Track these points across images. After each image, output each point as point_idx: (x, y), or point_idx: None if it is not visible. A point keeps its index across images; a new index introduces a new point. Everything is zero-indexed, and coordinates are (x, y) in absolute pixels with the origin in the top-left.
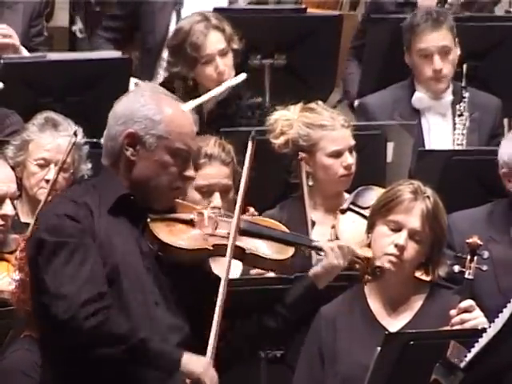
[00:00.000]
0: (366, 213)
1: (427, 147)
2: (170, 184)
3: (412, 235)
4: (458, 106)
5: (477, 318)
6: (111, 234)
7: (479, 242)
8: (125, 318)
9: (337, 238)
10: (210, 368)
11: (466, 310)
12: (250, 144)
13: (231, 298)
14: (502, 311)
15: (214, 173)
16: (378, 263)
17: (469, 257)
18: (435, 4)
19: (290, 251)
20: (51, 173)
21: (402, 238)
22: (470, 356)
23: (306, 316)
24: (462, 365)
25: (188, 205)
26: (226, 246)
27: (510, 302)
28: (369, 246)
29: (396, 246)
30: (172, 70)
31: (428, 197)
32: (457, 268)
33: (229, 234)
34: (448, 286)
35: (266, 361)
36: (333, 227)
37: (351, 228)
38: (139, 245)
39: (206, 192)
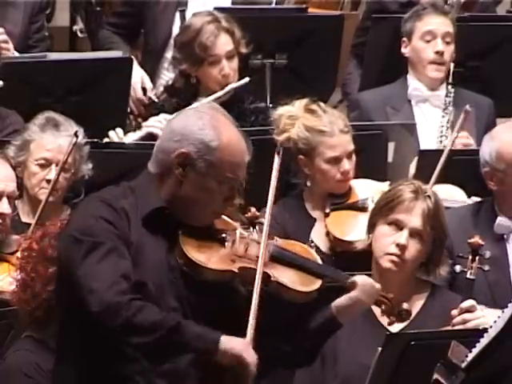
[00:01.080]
0: (346, 204)
1: (420, 138)
2: (211, 209)
3: (413, 234)
4: (445, 99)
5: (478, 318)
6: (143, 243)
7: (481, 241)
8: (157, 309)
9: (336, 241)
10: (251, 348)
11: (468, 310)
12: (276, 157)
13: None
14: (503, 311)
15: None
16: (404, 306)
17: (470, 257)
18: None
19: (316, 284)
20: (52, 173)
21: (403, 237)
22: (471, 356)
23: (319, 346)
24: (464, 365)
25: (223, 219)
26: (252, 269)
27: (511, 302)
28: (370, 246)
29: (397, 245)
30: (177, 66)
31: (429, 196)
32: (458, 268)
33: (257, 257)
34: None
35: None
36: (327, 234)
37: (341, 223)
38: (168, 258)
39: None
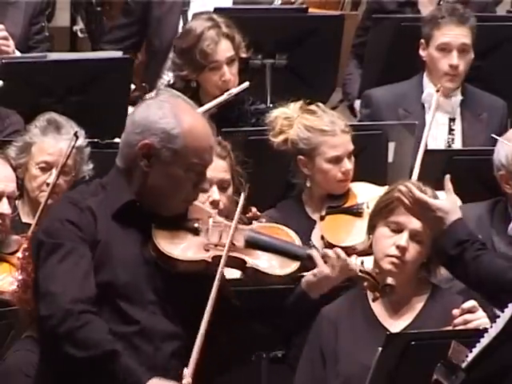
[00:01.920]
0: (341, 208)
1: (430, 145)
2: (181, 196)
3: (413, 236)
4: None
5: (479, 319)
6: (113, 239)
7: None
8: (105, 328)
9: (330, 246)
10: None
11: (469, 311)
12: (242, 195)
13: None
14: (503, 311)
15: (210, 166)
16: (388, 281)
17: None
18: (436, 3)
19: (293, 265)
20: (53, 177)
21: (403, 239)
22: (471, 356)
23: (299, 324)
24: (464, 365)
25: (196, 207)
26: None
27: (511, 302)
28: (370, 247)
29: (397, 247)
30: (177, 72)
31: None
32: None
33: (233, 244)
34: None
35: (267, 361)
36: (322, 238)
37: (335, 228)
38: (142, 251)
39: None
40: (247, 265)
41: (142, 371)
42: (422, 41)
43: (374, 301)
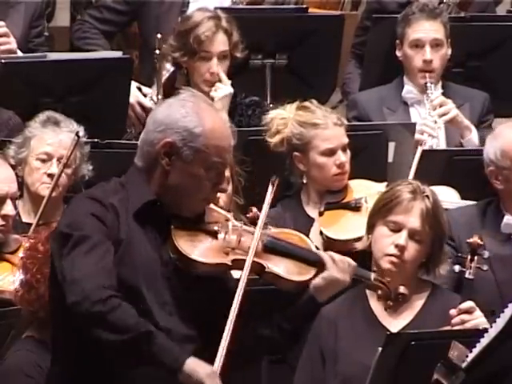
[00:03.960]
0: (340, 203)
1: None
2: (201, 196)
3: (412, 235)
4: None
5: (477, 319)
6: (134, 238)
7: (480, 242)
8: (135, 311)
9: (328, 240)
10: (216, 377)
11: (467, 311)
12: (270, 187)
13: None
14: (503, 311)
15: None
16: (401, 290)
17: (469, 256)
18: (437, 4)
19: (311, 272)
20: (53, 167)
21: (402, 238)
22: (471, 356)
23: (303, 327)
24: (464, 365)
25: (215, 210)
26: (245, 261)
27: (511, 302)
28: (369, 246)
29: (396, 246)
30: (170, 53)
31: (427, 196)
32: (457, 268)
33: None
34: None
35: (267, 361)
36: (321, 233)
37: (333, 223)
38: (160, 252)
39: None
40: (266, 270)
41: (179, 350)
42: (398, 41)
43: (386, 309)
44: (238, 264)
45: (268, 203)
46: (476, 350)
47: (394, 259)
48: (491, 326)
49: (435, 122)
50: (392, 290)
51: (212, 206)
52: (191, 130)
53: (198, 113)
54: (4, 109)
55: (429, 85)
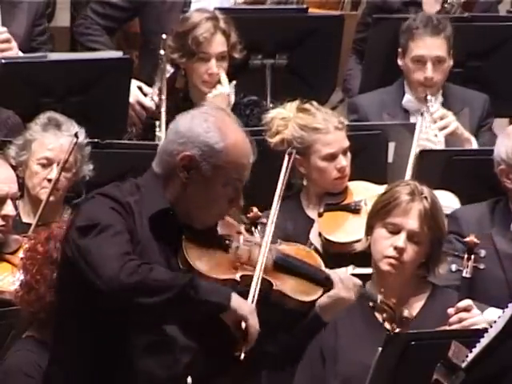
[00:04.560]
0: (339, 205)
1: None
2: (216, 211)
3: (411, 237)
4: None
5: (474, 317)
6: (147, 243)
7: (476, 240)
8: (167, 270)
9: (327, 242)
10: (256, 315)
11: (465, 310)
12: (286, 158)
13: None
14: (503, 311)
15: None
16: (405, 314)
17: (466, 255)
18: (441, 3)
19: (318, 292)
20: (54, 172)
21: (400, 240)
22: (471, 356)
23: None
24: (464, 365)
25: (228, 221)
26: (253, 277)
27: (511, 302)
28: (368, 248)
29: (395, 248)
30: (169, 54)
31: (425, 197)
32: (454, 267)
33: (260, 264)
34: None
35: None
36: (320, 235)
37: (333, 224)
38: (169, 261)
39: None
40: (274, 287)
41: (222, 287)
42: (400, 50)
43: (390, 332)
44: (247, 280)
45: (284, 178)
46: (476, 350)
47: (393, 261)
48: (491, 326)
49: (435, 136)
50: (397, 312)
51: (225, 217)
52: (212, 145)
53: (221, 128)
54: (3, 108)
55: (429, 98)
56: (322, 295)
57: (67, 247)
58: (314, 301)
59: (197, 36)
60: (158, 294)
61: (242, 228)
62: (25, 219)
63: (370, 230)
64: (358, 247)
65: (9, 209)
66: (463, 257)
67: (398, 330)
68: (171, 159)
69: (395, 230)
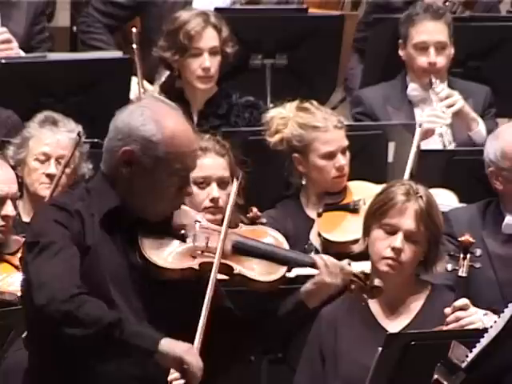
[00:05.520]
0: (338, 205)
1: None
2: (166, 201)
3: (408, 237)
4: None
5: (471, 316)
6: (101, 244)
7: (471, 239)
8: (103, 304)
9: (326, 242)
10: (194, 351)
11: (461, 309)
12: (235, 182)
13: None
14: (503, 311)
15: (209, 164)
16: (375, 283)
17: (462, 255)
18: (442, 2)
19: (281, 271)
20: (52, 167)
21: (398, 240)
22: (471, 356)
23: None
24: (464, 365)
25: (183, 211)
26: (213, 263)
27: (511, 302)
28: (366, 249)
29: (393, 249)
30: (161, 54)
31: (421, 196)
32: (450, 266)
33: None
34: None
35: (266, 361)
36: (319, 235)
37: (331, 224)
38: (128, 257)
39: (203, 184)
40: (234, 271)
41: (152, 332)
42: (400, 41)
43: (362, 303)
44: (206, 267)
45: (233, 199)
46: (476, 350)
47: (391, 262)
48: (491, 326)
49: (443, 112)
50: (366, 283)
51: (182, 206)
52: (149, 138)
53: (158, 120)
54: (3, 108)
55: (433, 80)
56: (285, 273)
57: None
58: (277, 280)
59: (188, 30)
60: (82, 328)
61: (201, 216)
62: (25, 219)
63: (367, 231)
64: (356, 249)
65: (9, 209)
66: (459, 256)
67: (395, 324)
68: (113, 156)
69: (392, 231)
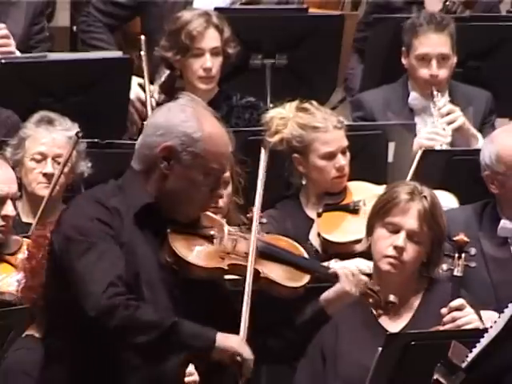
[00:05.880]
0: (338, 205)
1: None
2: (198, 201)
3: (410, 236)
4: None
5: (468, 316)
6: (134, 241)
7: (466, 239)
8: (153, 308)
9: (325, 242)
10: (245, 343)
11: (457, 309)
12: (262, 151)
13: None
14: (503, 311)
15: None
16: (390, 299)
17: (456, 254)
18: (442, 2)
19: (305, 279)
20: (48, 167)
21: (400, 239)
22: (471, 356)
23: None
24: (464, 365)
25: (210, 216)
26: (241, 266)
27: (511, 302)
28: (369, 248)
29: (395, 247)
30: (163, 53)
31: (425, 197)
32: (445, 266)
33: (246, 254)
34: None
35: None
36: (318, 235)
37: (331, 224)
38: (157, 255)
39: None
40: (261, 275)
41: (206, 330)
42: (403, 49)
43: (377, 317)
44: (234, 269)
45: (263, 169)
46: (476, 350)
47: (392, 261)
48: (491, 326)
49: (444, 130)
50: (382, 298)
51: (207, 213)
52: (191, 134)
53: (198, 118)
54: (2, 108)
55: (435, 93)
56: (309, 281)
57: (55, 247)
58: (301, 287)
59: (190, 30)
60: (138, 335)
61: (224, 222)
62: (24, 219)
63: (370, 230)
64: (359, 248)
65: (9, 209)
66: (454, 256)
67: (395, 323)
68: (151, 152)
69: (395, 230)
